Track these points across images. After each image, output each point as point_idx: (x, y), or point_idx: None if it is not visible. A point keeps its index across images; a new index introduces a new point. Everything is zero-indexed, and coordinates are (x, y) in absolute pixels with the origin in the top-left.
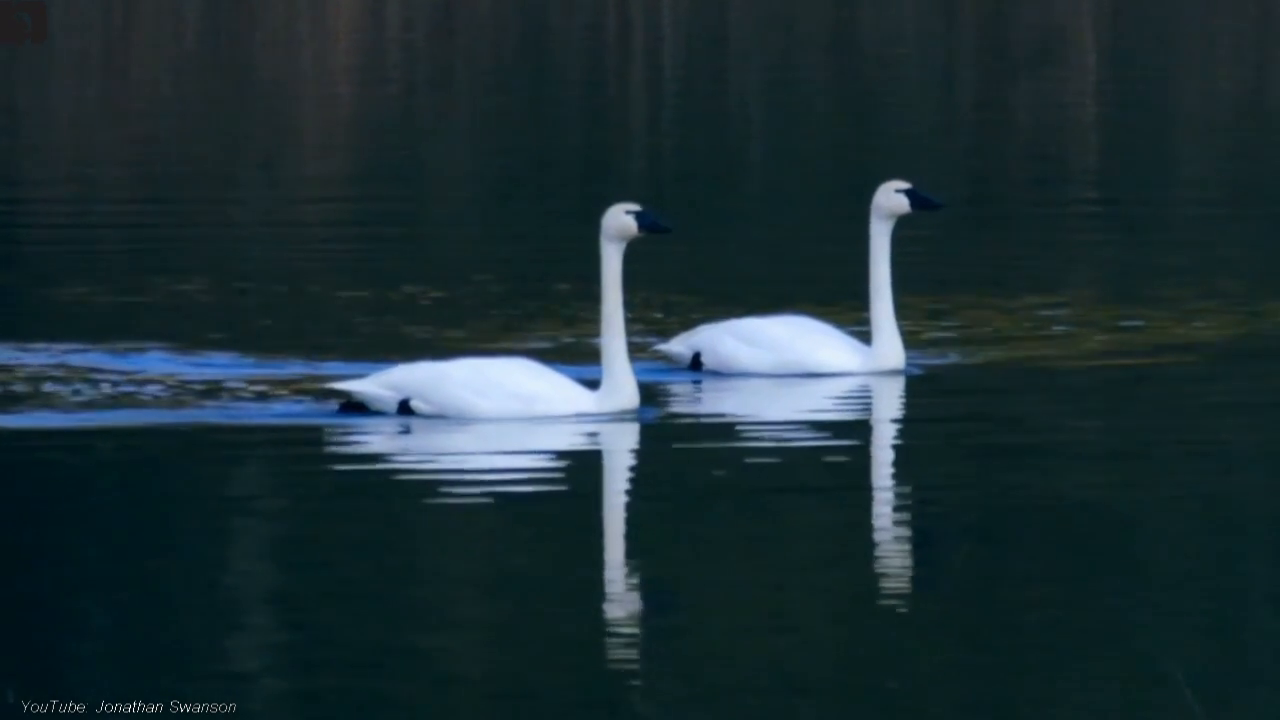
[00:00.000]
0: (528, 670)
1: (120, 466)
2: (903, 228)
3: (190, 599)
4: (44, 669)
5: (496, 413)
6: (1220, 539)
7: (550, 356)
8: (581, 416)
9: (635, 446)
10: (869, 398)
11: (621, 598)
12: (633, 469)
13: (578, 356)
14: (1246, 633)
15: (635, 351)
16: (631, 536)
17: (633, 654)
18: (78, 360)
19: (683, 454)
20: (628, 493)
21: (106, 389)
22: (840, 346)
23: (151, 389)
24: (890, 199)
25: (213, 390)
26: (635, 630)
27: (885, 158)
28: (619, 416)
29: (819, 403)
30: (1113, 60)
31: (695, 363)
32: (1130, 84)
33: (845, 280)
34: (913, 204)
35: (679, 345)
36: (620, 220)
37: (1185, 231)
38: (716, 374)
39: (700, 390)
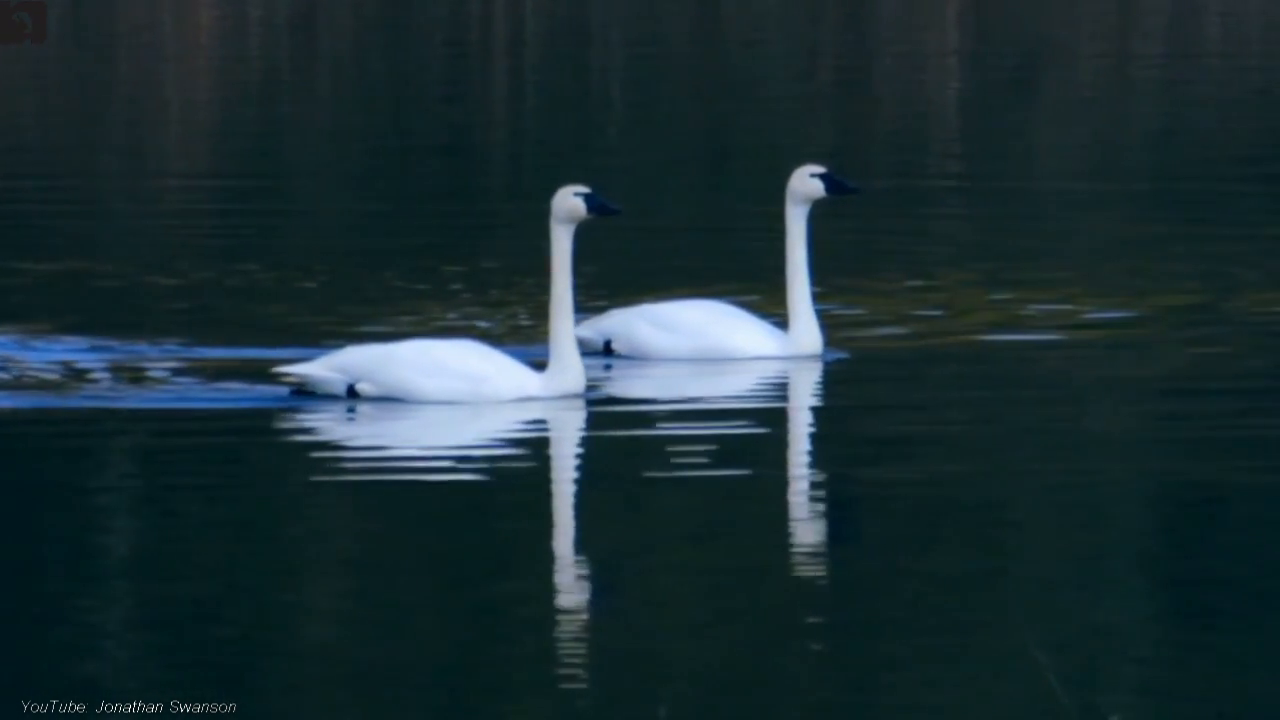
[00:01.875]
0: (467, 653)
1: (107, 451)
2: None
3: (145, 590)
4: None
5: (442, 394)
6: (1101, 522)
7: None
8: (527, 399)
9: (580, 429)
10: (786, 382)
11: (561, 580)
12: (577, 452)
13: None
14: (1111, 618)
15: (540, 337)
16: (575, 519)
17: (571, 637)
18: None
19: (624, 438)
20: (572, 477)
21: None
22: (757, 331)
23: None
24: (805, 184)
25: (123, 375)
26: (574, 612)
27: (749, 135)
28: (565, 399)
29: (740, 388)
30: (975, 40)
31: (606, 348)
32: (993, 62)
33: (719, 259)
34: (828, 188)
35: (588, 330)
36: (569, 202)
37: (1054, 211)
38: (629, 359)
39: (620, 375)
